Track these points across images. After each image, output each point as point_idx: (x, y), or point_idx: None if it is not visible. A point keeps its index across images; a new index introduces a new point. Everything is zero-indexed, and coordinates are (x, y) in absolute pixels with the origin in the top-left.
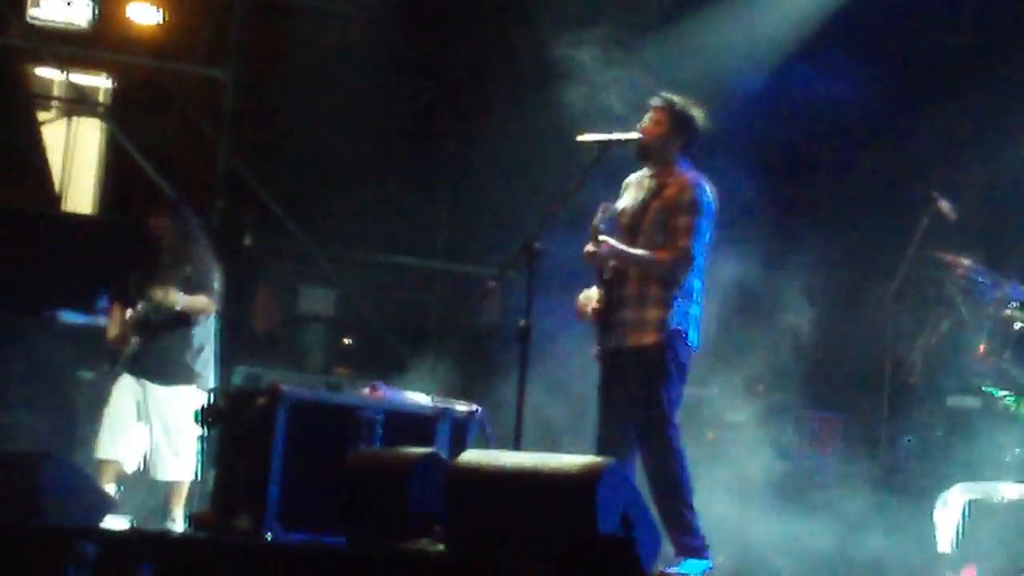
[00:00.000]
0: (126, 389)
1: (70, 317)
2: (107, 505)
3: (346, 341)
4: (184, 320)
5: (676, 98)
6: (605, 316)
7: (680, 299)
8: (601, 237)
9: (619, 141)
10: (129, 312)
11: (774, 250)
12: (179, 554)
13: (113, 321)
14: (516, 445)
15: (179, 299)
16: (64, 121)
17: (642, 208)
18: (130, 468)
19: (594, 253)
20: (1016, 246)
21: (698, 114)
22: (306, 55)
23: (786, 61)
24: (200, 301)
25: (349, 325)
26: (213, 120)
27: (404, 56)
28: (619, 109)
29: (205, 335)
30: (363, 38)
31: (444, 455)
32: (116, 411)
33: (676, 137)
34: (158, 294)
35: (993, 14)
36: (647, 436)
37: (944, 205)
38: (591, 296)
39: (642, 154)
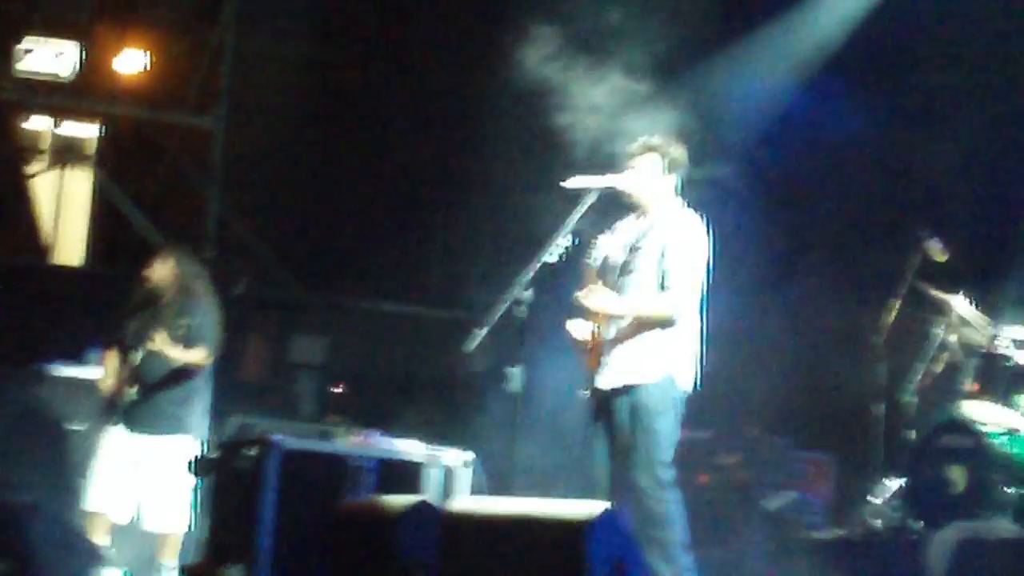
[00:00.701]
0: (117, 440)
1: (60, 369)
2: (97, 558)
3: (337, 389)
4: (181, 372)
5: (661, 140)
6: (598, 356)
7: (676, 339)
8: (598, 291)
9: (606, 187)
10: (125, 362)
11: (766, 290)
12: None
13: (108, 371)
14: (508, 491)
15: (178, 352)
16: (53, 172)
17: (634, 247)
18: (121, 520)
19: (588, 302)
20: (1006, 284)
21: (683, 153)
22: (294, 102)
23: (783, 94)
24: (198, 354)
25: (340, 373)
26: (201, 169)
27: (396, 103)
28: (614, 150)
29: (199, 386)
30: (353, 84)
31: (436, 503)
32: (107, 462)
33: (664, 178)
34: (156, 345)
35: (989, 53)
36: (642, 477)
37: (933, 245)
38: (583, 329)
39: (631, 198)
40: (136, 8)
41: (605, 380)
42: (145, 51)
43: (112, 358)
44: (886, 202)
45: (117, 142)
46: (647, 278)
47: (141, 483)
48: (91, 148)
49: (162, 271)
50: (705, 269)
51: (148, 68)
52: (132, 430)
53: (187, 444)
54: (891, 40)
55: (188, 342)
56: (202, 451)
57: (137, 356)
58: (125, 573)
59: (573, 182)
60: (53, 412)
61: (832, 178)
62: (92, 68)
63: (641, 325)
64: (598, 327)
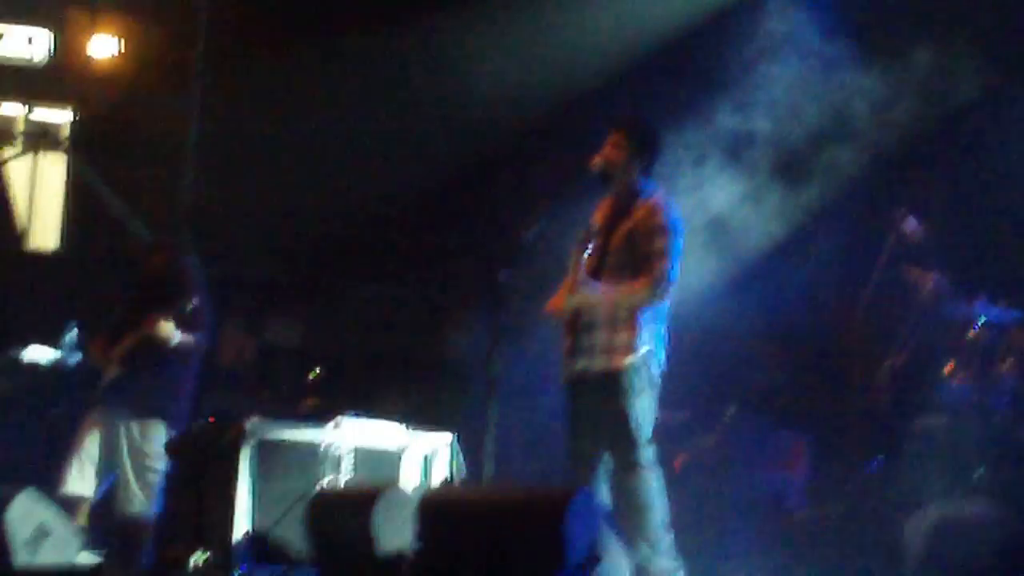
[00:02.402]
0: (96, 423)
1: (37, 353)
2: (77, 541)
3: (314, 372)
4: (169, 357)
5: (634, 119)
6: (574, 340)
7: (650, 320)
8: (580, 286)
9: (580, 167)
10: (112, 346)
11: (740, 270)
12: None
13: (94, 353)
14: (486, 474)
15: (174, 335)
16: (27, 158)
17: (610, 229)
18: (98, 503)
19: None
20: (982, 264)
21: (654, 131)
22: (267, 82)
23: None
24: (191, 339)
25: (317, 356)
26: (176, 152)
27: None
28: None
29: (184, 371)
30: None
31: (413, 486)
32: (85, 446)
33: (638, 158)
34: (152, 329)
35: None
36: (620, 457)
37: (910, 225)
38: (561, 303)
39: (605, 179)
40: None
41: (581, 363)
42: (117, 37)
43: (100, 340)
44: (862, 182)
45: (91, 127)
46: (623, 258)
47: (119, 466)
48: (65, 133)
49: (158, 257)
50: (680, 250)
51: (121, 52)
52: (114, 412)
53: (166, 429)
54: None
55: (184, 327)
56: (180, 436)
57: (128, 340)
58: (101, 555)
59: (549, 166)
60: (30, 396)
61: (815, 158)
62: (64, 53)
63: (619, 307)
64: (579, 314)
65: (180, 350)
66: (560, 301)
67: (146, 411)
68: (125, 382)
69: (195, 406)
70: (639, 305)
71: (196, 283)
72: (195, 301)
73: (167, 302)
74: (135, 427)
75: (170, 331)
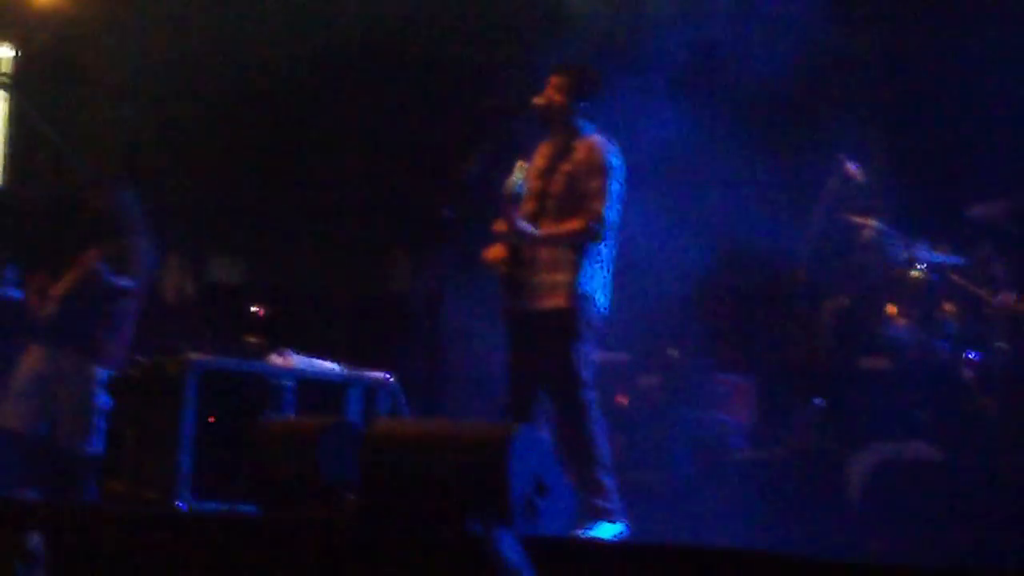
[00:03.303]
0: (36, 360)
1: None
2: (15, 477)
3: (255, 309)
4: (109, 293)
5: (573, 63)
6: (513, 277)
7: (590, 262)
8: (516, 220)
9: (520, 107)
10: (52, 282)
11: (684, 212)
12: (89, 525)
13: (31, 290)
14: (428, 412)
15: (109, 276)
16: None
17: (549, 172)
18: (32, 438)
19: (505, 232)
20: (923, 207)
21: (595, 75)
22: (207, 21)
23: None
24: (128, 280)
25: (259, 293)
26: (118, 88)
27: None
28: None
29: (124, 308)
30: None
31: (356, 422)
32: (24, 381)
33: (576, 100)
34: (89, 265)
35: None
36: (560, 399)
37: (851, 168)
38: (500, 253)
39: (544, 119)
40: None
41: (520, 302)
42: None
43: (38, 278)
44: (804, 121)
45: (32, 64)
46: (563, 199)
47: (58, 401)
48: (5, 70)
49: (97, 194)
50: (620, 192)
51: None
52: (54, 349)
53: (106, 366)
54: None
55: (122, 267)
56: (121, 372)
57: (67, 277)
58: (38, 493)
59: (487, 104)
60: None
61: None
62: None
63: (556, 249)
64: (512, 251)
65: (119, 287)
66: (498, 251)
67: (86, 348)
68: (64, 319)
69: (136, 343)
70: (576, 243)
71: (135, 220)
72: (134, 238)
73: (106, 239)
74: (75, 364)
75: (109, 268)
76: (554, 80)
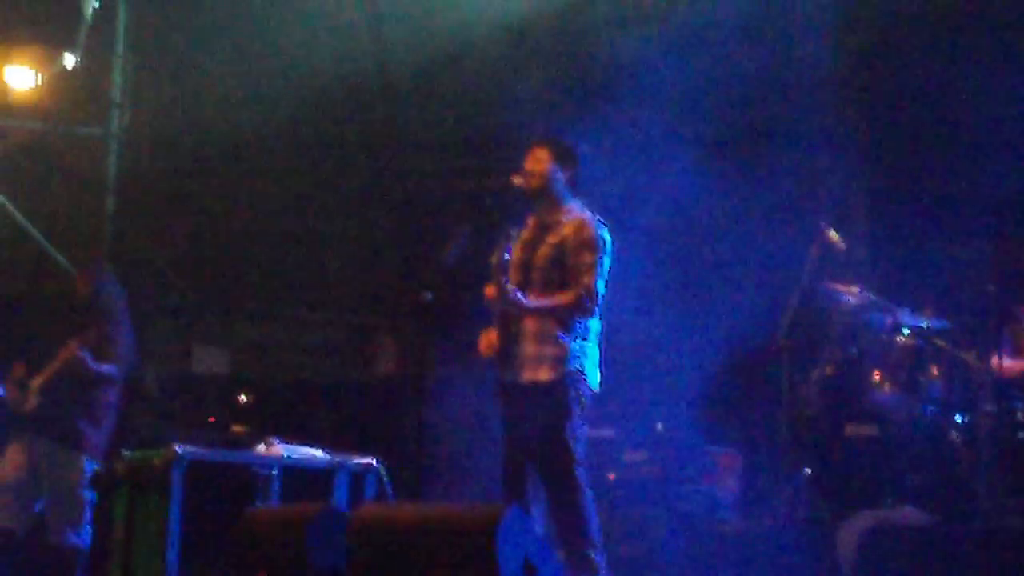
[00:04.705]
0: (19, 452)
1: None
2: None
3: (241, 398)
4: (92, 384)
5: (554, 135)
6: (502, 350)
7: (578, 338)
8: (508, 288)
9: (503, 185)
10: (33, 375)
11: (666, 286)
12: None
13: (11, 382)
14: (416, 497)
15: (91, 364)
16: None
17: (534, 243)
18: (21, 533)
19: (496, 298)
20: (905, 274)
21: (578, 146)
22: (190, 110)
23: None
24: (110, 368)
25: (244, 382)
26: (97, 182)
27: (298, 106)
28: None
29: (107, 400)
30: (245, 90)
31: (343, 509)
32: (7, 476)
33: (561, 172)
34: (71, 356)
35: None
36: (552, 475)
37: (832, 235)
38: (493, 341)
39: (529, 195)
40: (20, 24)
41: (509, 374)
42: (34, 69)
43: (18, 369)
44: (782, 197)
45: (10, 158)
46: (549, 273)
47: (46, 497)
48: None
49: (78, 285)
50: (607, 269)
51: (39, 83)
52: (37, 442)
53: (89, 458)
54: None
55: (103, 355)
56: (106, 465)
57: (48, 369)
58: None
59: (469, 183)
60: None
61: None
62: None
63: (544, 322)
64: (501, 324)
65: (102, 373)
66: (491, 340)
67: (69, 438)
68: (47, 409)
69: (119, 434)
70: (566, 317)
71: (117, 307)
72: (116, 325)
73: (88, 329)
74: (58, 457)
75: (91, 359)
76: (537, 152)
